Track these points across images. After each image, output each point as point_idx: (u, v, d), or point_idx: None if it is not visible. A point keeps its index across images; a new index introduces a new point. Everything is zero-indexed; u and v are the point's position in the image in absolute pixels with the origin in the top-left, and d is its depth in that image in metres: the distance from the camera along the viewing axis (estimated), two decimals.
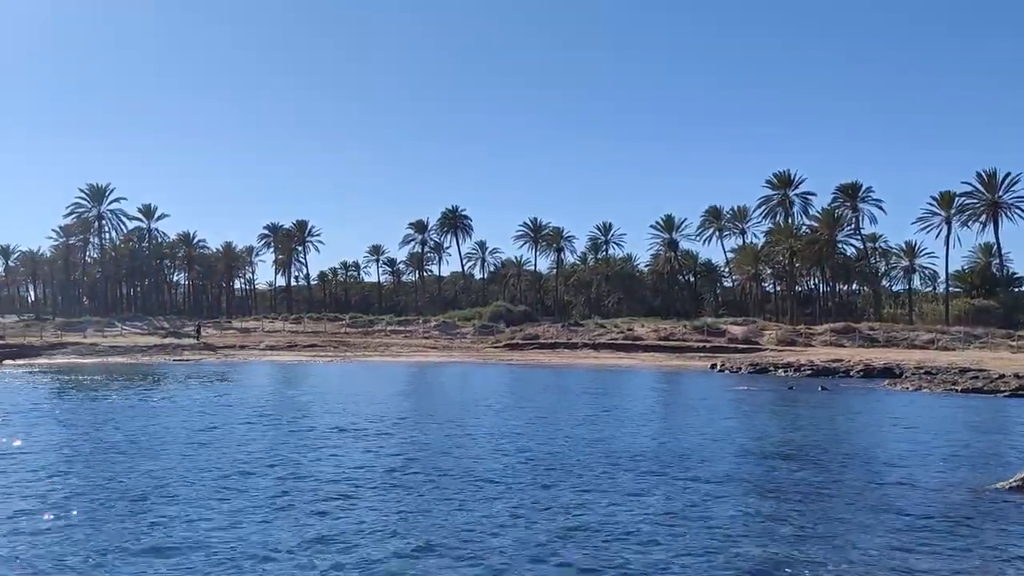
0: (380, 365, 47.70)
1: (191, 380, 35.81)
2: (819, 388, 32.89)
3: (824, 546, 10.40)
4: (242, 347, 58.02)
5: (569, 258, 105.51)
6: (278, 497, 12.84)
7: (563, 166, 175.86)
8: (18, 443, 18.12)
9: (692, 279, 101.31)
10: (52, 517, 11.58)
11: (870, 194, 79.97)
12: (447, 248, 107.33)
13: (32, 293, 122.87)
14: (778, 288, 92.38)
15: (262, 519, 11.50)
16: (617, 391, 33.11)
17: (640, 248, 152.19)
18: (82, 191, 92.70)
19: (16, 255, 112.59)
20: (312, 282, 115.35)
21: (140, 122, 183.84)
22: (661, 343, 55.85)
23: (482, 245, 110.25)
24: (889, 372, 36.82)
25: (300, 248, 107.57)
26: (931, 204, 76.05)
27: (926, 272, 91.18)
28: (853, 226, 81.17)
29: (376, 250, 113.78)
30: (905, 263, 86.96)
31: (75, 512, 11.88)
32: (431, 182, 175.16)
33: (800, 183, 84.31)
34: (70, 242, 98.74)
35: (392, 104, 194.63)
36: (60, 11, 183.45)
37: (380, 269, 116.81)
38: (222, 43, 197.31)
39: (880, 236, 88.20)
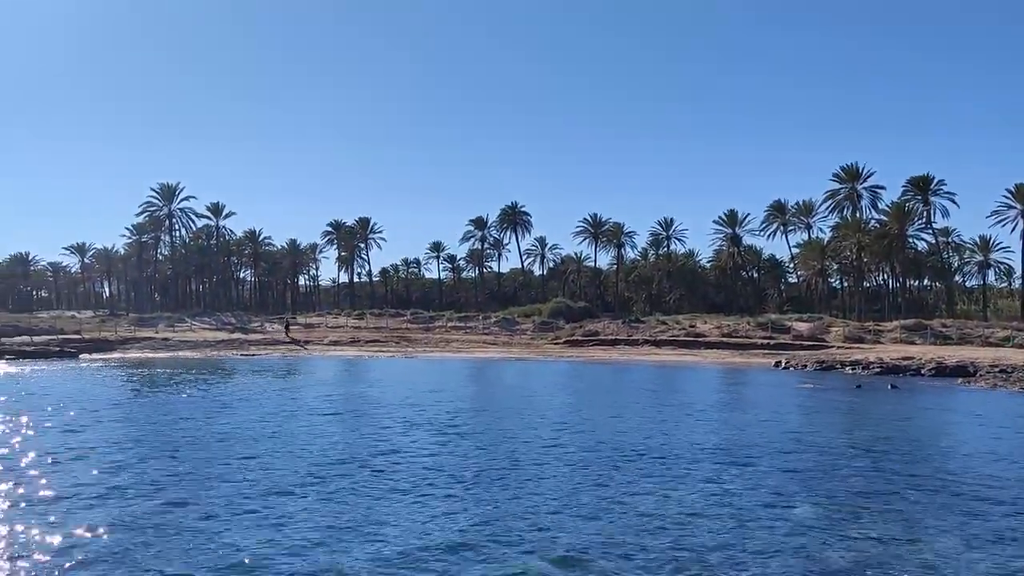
0: (443, 360, 48.09)
1: (266, 373, 36.66)
2: (889, 386, 32.00)
3: (901, 544, 10.22)
4: (307, 342, 59.22)
5: (630, 254, 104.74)
6: (383, 484, 13.11)
7: (624, 162, 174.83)
8: (102, 433, 18.85)
9: (756, 275, 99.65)
10: (142, 507, 12.05)
11: (942, 187, 77.63)
12: (507, 245, 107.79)
13: (107, 289, 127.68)
14: (845, 284, 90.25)
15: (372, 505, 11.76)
16: (681, 388, 32.82)
17: (702, 244, 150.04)
18: (154, 190, 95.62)
19: (91, 252, 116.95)
20: (374, 278, 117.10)
21: (209, 122, 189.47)
22: (724, 340, 54.99)
23: (542, 241, 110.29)
24: (963, 370, 35.60)
25: (363, 245, 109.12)
26: (1006, 197, 73.68)
27: (1001, 267, 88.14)
28: (924, 220, 78.83)
29: (437, 247, 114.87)
30: (979, 258, 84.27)
31: (171, 500, 12.33)
32: (491, 179, 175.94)
33: (868, 176, 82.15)
34: (142, 240, 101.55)
35: (453, 103, 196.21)
36: (132, 17, 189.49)
37: (440, 266, 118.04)
38: (287, 44, 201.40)
39: (953, 230, 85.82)
